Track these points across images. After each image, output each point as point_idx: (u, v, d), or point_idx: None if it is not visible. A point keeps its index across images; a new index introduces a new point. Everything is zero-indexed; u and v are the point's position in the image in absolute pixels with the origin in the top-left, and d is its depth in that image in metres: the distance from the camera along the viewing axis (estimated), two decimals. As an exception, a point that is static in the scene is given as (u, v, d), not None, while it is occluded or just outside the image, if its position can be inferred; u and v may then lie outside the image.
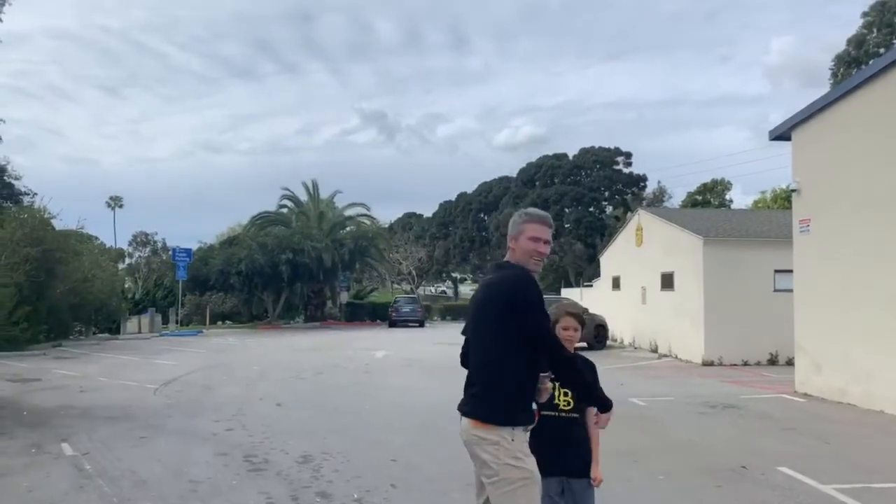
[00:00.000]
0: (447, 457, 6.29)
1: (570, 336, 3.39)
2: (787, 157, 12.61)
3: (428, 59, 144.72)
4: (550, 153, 50.13)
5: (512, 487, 2.79)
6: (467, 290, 68.72)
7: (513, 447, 2.82)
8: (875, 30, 32.08)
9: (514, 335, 2.86)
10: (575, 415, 3.36)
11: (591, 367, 3.44)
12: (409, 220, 64.88)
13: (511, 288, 2.90)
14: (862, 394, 10.27)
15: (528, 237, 2.96)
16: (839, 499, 5.51)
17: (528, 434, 2.98)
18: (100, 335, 28.04)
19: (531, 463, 2.84)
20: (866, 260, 10.34)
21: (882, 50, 28.49)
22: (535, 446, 2.99)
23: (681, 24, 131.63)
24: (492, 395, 2.89)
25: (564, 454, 3.30)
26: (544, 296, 3.01)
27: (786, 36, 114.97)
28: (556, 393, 3.32)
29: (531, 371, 2.96)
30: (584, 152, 48.44)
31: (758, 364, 16.34)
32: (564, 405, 3.33)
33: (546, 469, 3.06)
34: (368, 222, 41.49)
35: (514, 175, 51.69)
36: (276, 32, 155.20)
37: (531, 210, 3.11)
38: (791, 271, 12.63)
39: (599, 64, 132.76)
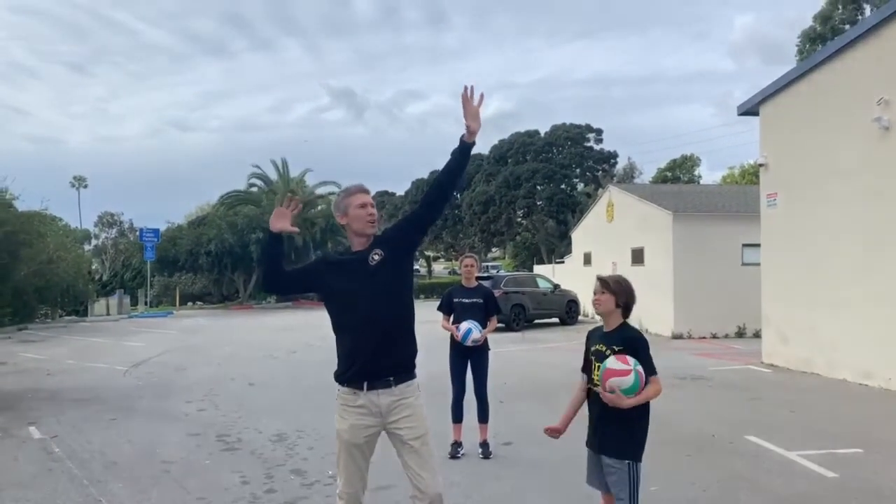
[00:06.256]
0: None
1: (595, 300, 3.39)
2: (753, 132, 12.76)
3: (404, 35, 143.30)
4: (522, 130, 50.08)
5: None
6: (440, 268, 68.78)
7: (336, 405, 3.15)
8: (840, 6, 32.43)
9: None
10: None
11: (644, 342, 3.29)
12: (382, 199, 64.38)
13: None
14: (826, 363, 10.53)
15: (356, 207, 3.15)
16: (804, 464, 5.66)
17: (366, 395, 3.03)
18: (67, 318, 27.57)
19: (338, 422, 3.12)
20: (831, 232, 10.54)
21: (847, 26, 28.85)
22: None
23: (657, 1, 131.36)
24: None
25: (600, 431, 3.28)
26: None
27: (751, 12, 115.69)
28: (593, 366, 3.28)
29: (335, 335, 3.18)
30: (556, 129, 48.42)
31: (726, 336, 16.66)
32: (596, 378, 3.24)
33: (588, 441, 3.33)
34: (340, 200, 41.08)
35: (487, 153, 51.56)
36: (249, 7, 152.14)
37: (346, 187, 3.30)
38: (758, 245, 12.84)
39: (576, 40, 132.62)
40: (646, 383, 3.16)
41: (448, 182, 3.11)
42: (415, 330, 3.19)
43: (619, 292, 3.31)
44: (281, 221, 3.17)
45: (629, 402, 3.12)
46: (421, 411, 3.11)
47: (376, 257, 3.07)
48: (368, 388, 3.02)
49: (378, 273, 3.05)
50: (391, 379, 3.04)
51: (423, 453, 3.04)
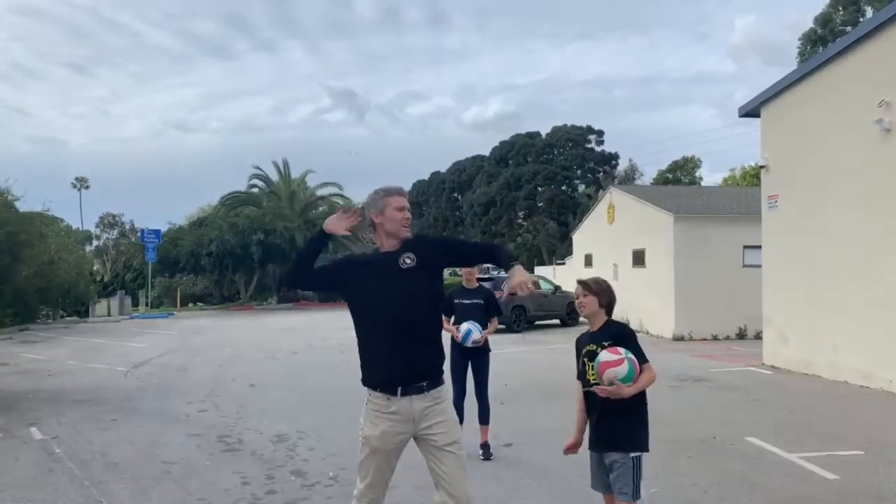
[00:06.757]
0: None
1: (578, 304, 3.49)
2: (754, 134, 12.77)
3: (405, 36, 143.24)
4: (524, 132, 50.11)
5: (360, 443, 3.13)
6: (441, 269, 68.73)
7: (365, 409, 3.12)
8: (841, 8, 32.45)
9: None
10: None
11: (631, 333, 3.41)
12: (382, 200, 64.41)
13: None
14: (827, 365, 10.53)
15: (394, 208, 3.11)
16: (805, 466, 5.65)
17: (395, 400, 3.00)
18: (68, 318, 27.60)
19: (368, 427, 3.08)
20: (832, 234, 10.54)
21: (848, 28, 28.85)
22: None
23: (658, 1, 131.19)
24: None
25: (601, 430, 3.32)
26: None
27: (752, 14, 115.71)
28: (586, 368, 3.35)
29: (361, 337, 3.17)
30: (557, 131, 48.47)
31: (727, 338, 16.65)
32: (592, 378, 3.30)
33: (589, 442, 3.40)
34: (341, 202, 41.12)
35: (488, 154, 51.58)
36: (251, 8, 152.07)
37: (386, 186, 3.23)
38: (759, 247, 12.84)
39: (577, 41, 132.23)
40: (640, 371, 3.22)
41: (488, 259, 3.46)
42: (441, 337, 3.17)
43: (599, 292, 3.42)
44: (337, 225, 3.15)
45: (629, 390, 3.18)
46: (453, 416, 3.10)
47: (408, 261, 3.05)
48: (402, 394, 2.99)
49: (409, 276, 3.02)
50: (424, 384, 3.00)
51: (458, 458, 3.02)
